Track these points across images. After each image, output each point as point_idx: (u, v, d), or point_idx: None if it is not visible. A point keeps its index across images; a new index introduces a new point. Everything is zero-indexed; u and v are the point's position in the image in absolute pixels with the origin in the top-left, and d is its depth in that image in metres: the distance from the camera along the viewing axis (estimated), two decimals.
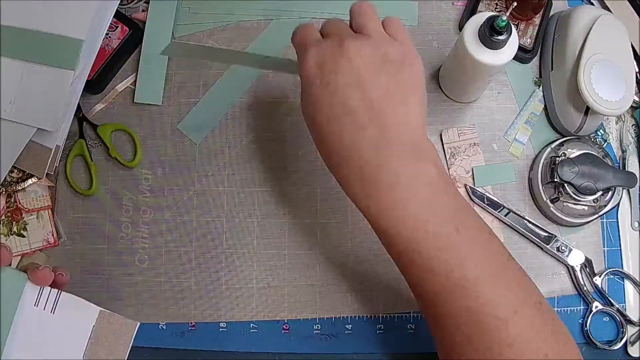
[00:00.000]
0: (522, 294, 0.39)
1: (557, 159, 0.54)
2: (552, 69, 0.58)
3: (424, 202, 0.38)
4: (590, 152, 0.55)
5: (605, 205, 0.55)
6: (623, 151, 0.59)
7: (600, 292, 0.55)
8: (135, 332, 0.43)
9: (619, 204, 0.57)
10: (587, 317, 0.55)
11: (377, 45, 0.40)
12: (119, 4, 0.57)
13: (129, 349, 0.42)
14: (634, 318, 0.55)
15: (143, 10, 0.60)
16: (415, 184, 0.38)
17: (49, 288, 0.41)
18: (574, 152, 0.55)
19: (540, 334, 0.38)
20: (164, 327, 0.55)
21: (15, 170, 0.55)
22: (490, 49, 0.48)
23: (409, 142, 0.39)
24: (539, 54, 0.60)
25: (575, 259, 0.55)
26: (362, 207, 0.40)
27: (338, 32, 0.41)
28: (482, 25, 0.47)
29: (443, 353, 0.41)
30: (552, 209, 0.55)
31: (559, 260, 0.56)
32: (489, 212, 0.56)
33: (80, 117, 0.57)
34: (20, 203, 0.56)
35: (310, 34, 0.42)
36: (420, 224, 0.37)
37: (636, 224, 0.58)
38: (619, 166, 0.58)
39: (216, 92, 0.59)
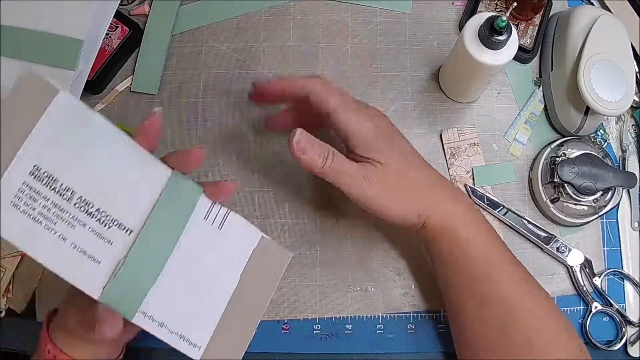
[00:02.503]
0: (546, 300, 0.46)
1: (557, 159, 0.54)
2: (552, 69, 0.58)
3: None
4: (590, 152, 0.55)
5: (605, 206, 0.55)
6: (623, 151, 0.59)
7: (599, 293, 0.55)
8: (287, 263, 0.42)
9: (619, 204, 0.57)
10: (587, 318, 0.55)
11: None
12: (119, 4, 0.57)
13: (279, 279, 0.41)
14: (634, 319, 0.55)
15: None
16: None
17: (220, 205, 0.40)
18: (574, 152, 0.55)
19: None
20: None
21: None
22: (490, 49, 0.48)
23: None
24: (539, 54, 0.60)
25: (575, 259, 0.55)
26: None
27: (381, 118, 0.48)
28: (482, 25, 0.47)
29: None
30: (552, 209, 0.55)
31: (558, 261, 0.56)
32: (489, 212, 0.56)
33: None
34: None
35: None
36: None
37: (636, 224, 0.58)
38: (619, 166, 0.58)
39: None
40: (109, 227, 0.37)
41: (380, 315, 0.55)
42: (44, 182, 0.35)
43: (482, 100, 0.60)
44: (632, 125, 0.60)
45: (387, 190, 0.45)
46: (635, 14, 0.60)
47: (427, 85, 0.60)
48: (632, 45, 0.56)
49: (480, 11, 0.59)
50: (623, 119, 0.60)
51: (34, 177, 0.35)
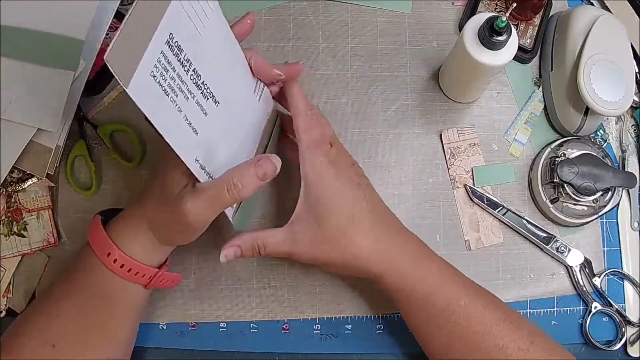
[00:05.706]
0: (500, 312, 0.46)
1: (557, 159, 0.54)
2: (552, 69, 0.58)
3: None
4: (590, 152, 0.55)
5: (605, 206, 0.55)
6: (623, 151, 0.59)
7: (599, 293, 0.55)
8: None
9: (618, 204, 0.57)
10: (587, 318, 0.55)
11: None
12: (119, 4, 0.57)
13: None
14: (634, 319, 0.55)
15: None
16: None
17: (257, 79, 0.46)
18: (573, 153, 0.55)
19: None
20: (164, 327, 0.55)
21: (16, 171, 0.55)
22: (490, 49, 0.48)
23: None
24: (539, 54, 0.60)
25: (575, 259, 0.55)
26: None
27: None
28: (482, 25, 0.47)
29: None
30: (551, 209, 0.55)
31: (558, 261, 0.56)
32: (489, 212, 0.56)
33: (80, 117, 0.57)
34: (20, 203, 0.56)
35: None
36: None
37: (636, 224, 0.58)
38: (619, 166, 0.58)
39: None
40: (207, 99, 0.38)
41: (380, 315, 0.55)
42: (174, 51, 0.34)
43: (482, 100, 0.60)
44: (632, 125, 0.60)
45: (319, 250, 0.45)
46: (635, 14, 0.60)
47: (427, 85, 0.60)
48: (632, 45, 0.56)
49: (480, 11, 0.59)
50: (623, 119, 0.60)
51: (169, 46, 0.33)
